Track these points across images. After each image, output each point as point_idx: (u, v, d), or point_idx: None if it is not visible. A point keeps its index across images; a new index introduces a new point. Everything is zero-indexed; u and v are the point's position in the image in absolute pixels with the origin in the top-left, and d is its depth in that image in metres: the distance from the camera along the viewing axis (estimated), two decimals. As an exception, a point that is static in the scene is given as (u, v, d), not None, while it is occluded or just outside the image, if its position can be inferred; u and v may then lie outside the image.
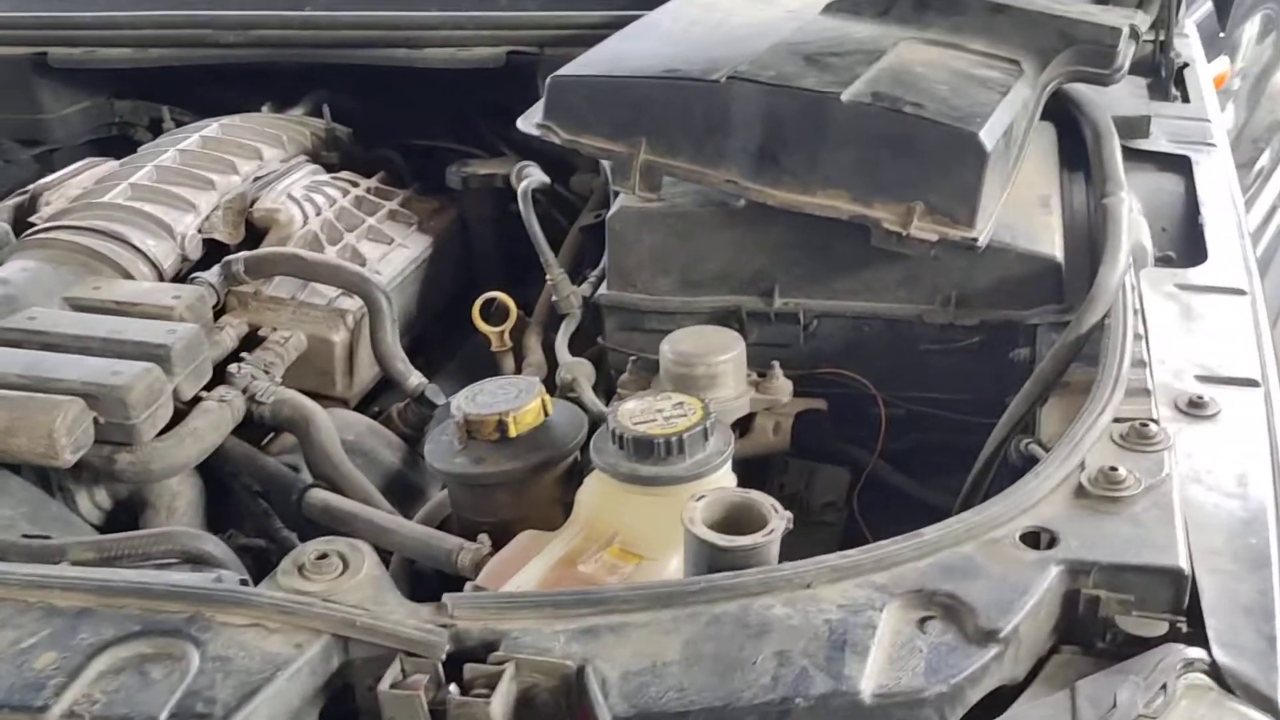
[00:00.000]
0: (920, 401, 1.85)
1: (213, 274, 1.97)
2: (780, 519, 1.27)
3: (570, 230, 2.28)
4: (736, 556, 1.24)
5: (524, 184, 2.03)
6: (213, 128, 2.38)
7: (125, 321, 1.78)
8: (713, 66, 1.84)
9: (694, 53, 1.94)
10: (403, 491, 1.90)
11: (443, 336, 2.31)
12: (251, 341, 1.97)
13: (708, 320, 1.89)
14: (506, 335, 2.01)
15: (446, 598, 1.18)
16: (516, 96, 2.81)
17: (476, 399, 1.58)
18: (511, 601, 1.23)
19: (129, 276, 1.95)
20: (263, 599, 1.19)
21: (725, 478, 1.45)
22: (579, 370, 1.82)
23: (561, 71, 1.91)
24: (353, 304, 2.01)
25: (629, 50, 1.99)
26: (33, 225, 2.08)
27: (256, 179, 2.22)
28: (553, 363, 1.98)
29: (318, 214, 2.18)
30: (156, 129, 2.93)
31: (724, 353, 1.73)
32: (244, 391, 1.81)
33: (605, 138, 1.88)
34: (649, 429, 1.43)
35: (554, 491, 1.56)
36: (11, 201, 2.25)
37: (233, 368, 1.83)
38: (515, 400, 1.55)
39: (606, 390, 1.93)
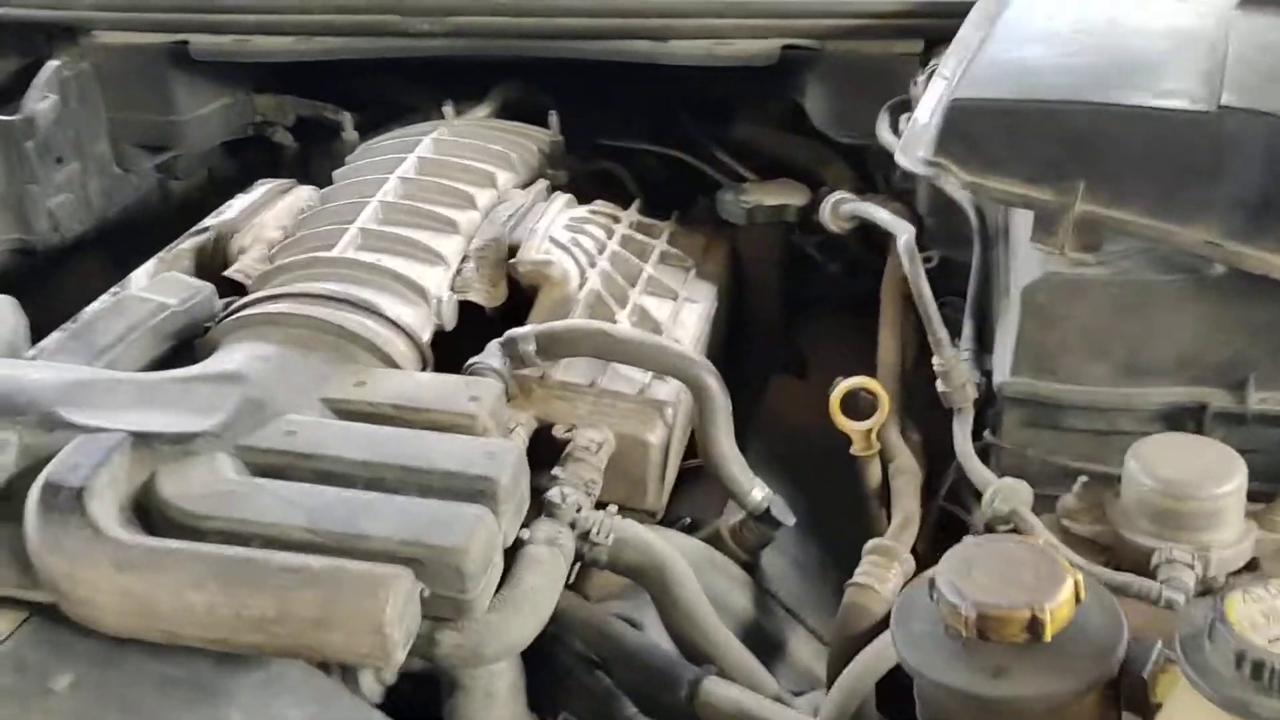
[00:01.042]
0: None
1: (493, 355, 1.51)
2: None
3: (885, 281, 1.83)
4: None
5: (904, 239, 1.58)
6: (425, 144, 1.90)
7: (418, 438, 1.32)
8: (1167, 89, 1.40)
9: (1120, 68, 1.49)
10: (756, 646, 1.46)
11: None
12: (542, 443, 1.52)
13: (1152, 418, 1.46)
14: (874, 434, 1.56)
15: None
16: (733, 93, 2.38)
17: (973, 575, 1.13)
18: None
19: (390, 362, 1.49)
20: None
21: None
22: (1018, 497, 1.38)
23: (965, 94, 1.45)
24: (668, 391, 1.56)
25: (1029, 62, 1.53)
26: (233, 280, 1.62)
27: (508, 218, 1.75)
28: (931, 465, 1.56)
29: (591, 264, 1.72)
30: (306, 128, 2.46)
31: (1226, 480, 1.30)
32: (571, 526, 1.37)
33: (1026, 181, 1.43)
34: (1296, 650, 0.99)
35: (1094, 716, 1.13)
36: (188, 244, 1.78)
37: (554, 494, 1.38)
38: (1042, 584, 1.11)
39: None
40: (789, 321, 2.07)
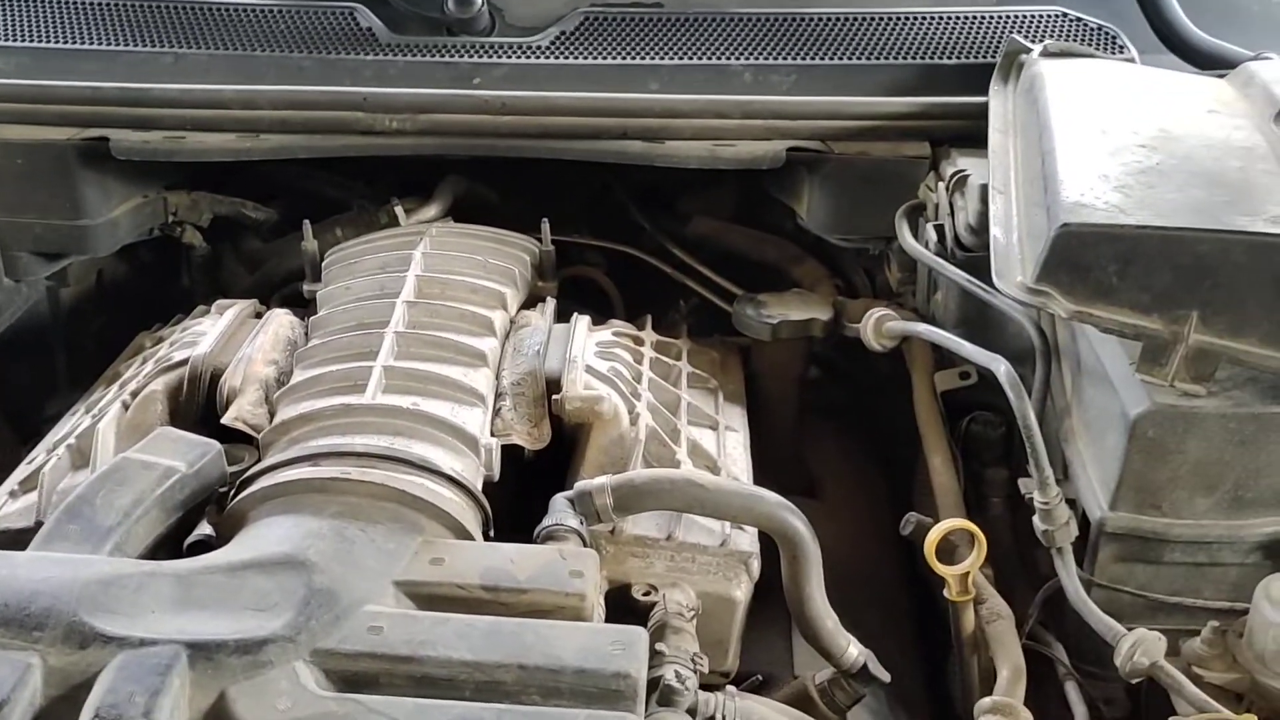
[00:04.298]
0: None
1: (566, 513, 1.33)
2: None
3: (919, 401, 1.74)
4: None
5: (1004, 370, 1.47)
6: (417, 260, 1.70)
7: (529, 629, 1.14)
8: (1276, 215, 1.36)
9: (1215, 191, 1.44)
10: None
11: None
12: (612, 606, 1.35)
13: (1253, 550, 1.41)
14: (971, 578, 1.45)
15: None
16: (679, 188, 2.26)
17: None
18: None
19: (459, 529, 1.29)
20: None
21: None
22: (1157, 650, 1.30)
23: (1073, 219, 1.37)
24: (749, 541, 1.42)
25: (1116, 183, 1.46)
26: (253, 436, 1.40)
27: (539, 347, 1.57)
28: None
29: (635, 395, 1.55)
30: (227, 227, 2.21)
31: (1372, 620, 1.25)
32: (691, 713, 1.20)
33: (1136, 310, 1.36)
34: None
35: None
36: (159, 385, 1.53)
37: (670, 677, 1.21)
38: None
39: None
40: (803, 442, 1.96)
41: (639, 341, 1.72)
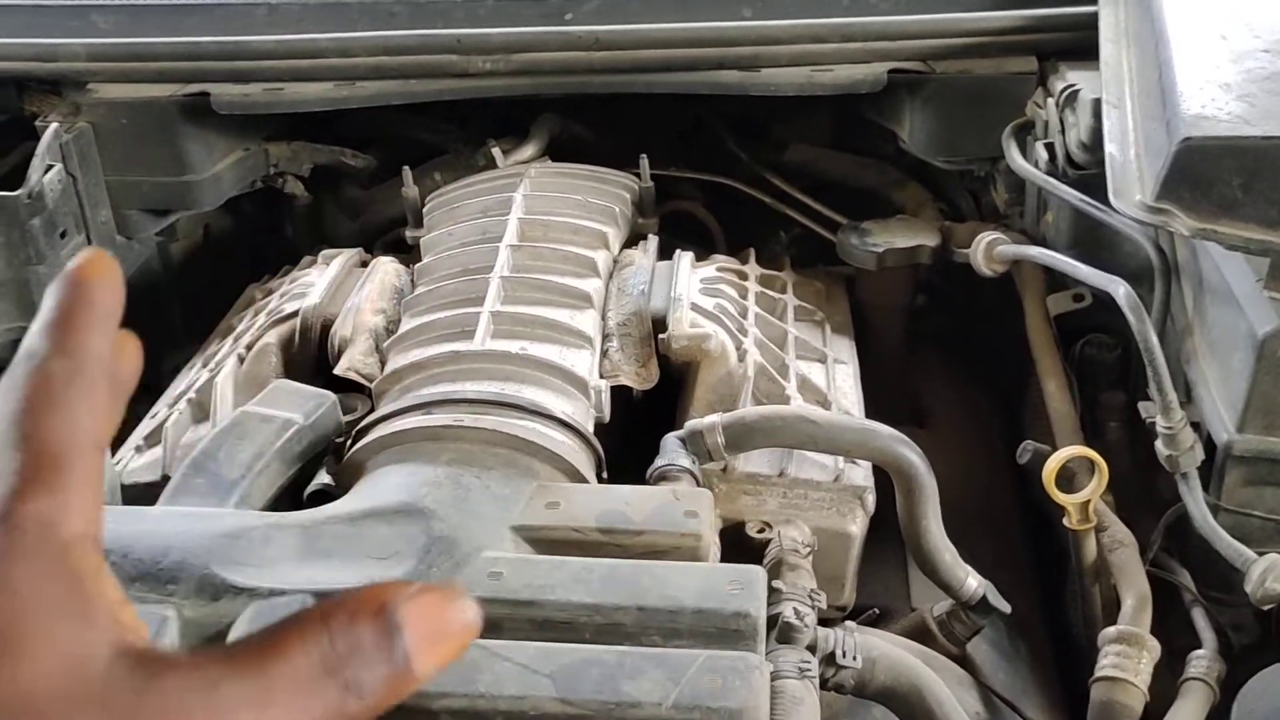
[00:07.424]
0: None
1: (678, 453, 1.33)
2: None
3: (1032, 325, 1.70)
4: None
5: (1123, 291, 1.44)
6: (518, 202, 1.70)
7: (647, 570, 1.14)
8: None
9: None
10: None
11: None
12: (727, 545, 1.35)
13: (1393, 473, 1.36)
14: (1092, 506, 1.42)
15: None
16: (771, 115, 2.23)
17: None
18: None
19: (573, 472, 1.29)
20: None
21: None
22: (1291, 575, 1.26)
23: (1195, 133, 1.31)
24: (864, 475, 1.41)
25: (1239, 92, 1.40)
26: (359, 380, 1.41)
27: (644, 286, 1.56)
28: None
29: (741, 331, 1.54)
30: (327, 176, 2.23)
31: None
32: (810, 648, 1.20)
33: (1262, 225, 1.30)
34: None
35: None
36: (272, 336, 1.55)
37: (788, 614, 1.21)
38: None
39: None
40: (910, 375, 1.93)
41: (743, 276, 1.70)
